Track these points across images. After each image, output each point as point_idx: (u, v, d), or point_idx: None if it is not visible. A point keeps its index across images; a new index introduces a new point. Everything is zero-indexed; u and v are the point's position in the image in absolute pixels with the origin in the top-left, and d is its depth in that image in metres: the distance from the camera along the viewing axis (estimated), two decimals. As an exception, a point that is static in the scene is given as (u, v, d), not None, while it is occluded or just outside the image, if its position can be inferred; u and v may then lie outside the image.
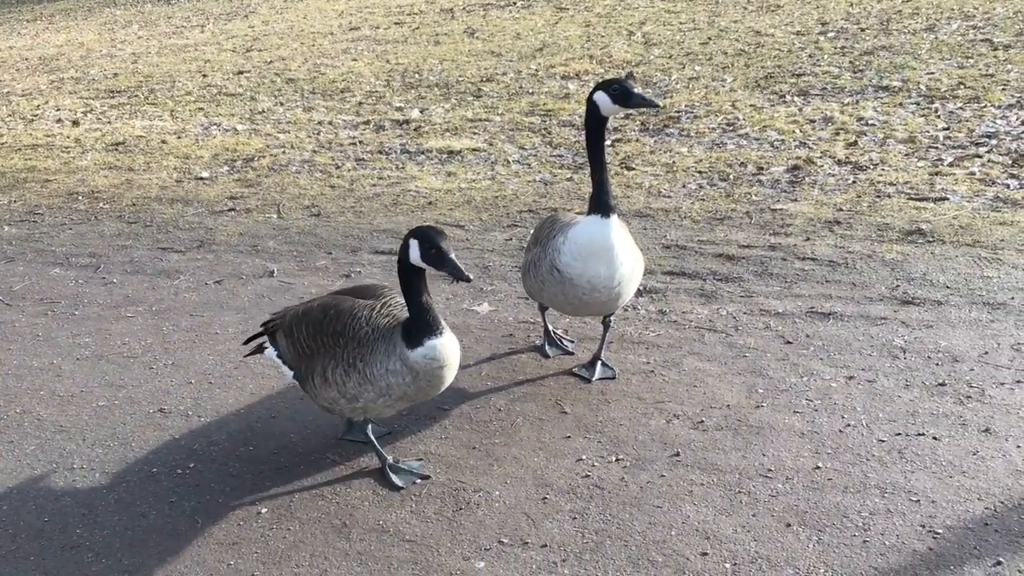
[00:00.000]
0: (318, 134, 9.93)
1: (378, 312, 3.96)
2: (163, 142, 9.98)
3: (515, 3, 16.27)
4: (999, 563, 3.45)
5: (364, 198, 7.89)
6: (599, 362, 5.00)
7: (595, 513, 3.91)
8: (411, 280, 3.84)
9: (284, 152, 9.35)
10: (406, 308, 3.92)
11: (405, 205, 7.67)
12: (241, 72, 13.19)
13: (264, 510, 4.05)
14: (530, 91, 10.91)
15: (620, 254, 4.50)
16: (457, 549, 3.76)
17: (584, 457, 4.30)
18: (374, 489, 4.15)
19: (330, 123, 10.35)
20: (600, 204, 4.45)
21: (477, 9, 16.17)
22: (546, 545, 3.75)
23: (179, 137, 10.16)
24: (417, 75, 12.18)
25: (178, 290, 6.39)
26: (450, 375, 3.94)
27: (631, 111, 4.63)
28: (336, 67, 13.00)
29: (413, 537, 3.84)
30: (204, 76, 13.13)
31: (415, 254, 3.79)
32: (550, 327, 5.32)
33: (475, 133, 9.52)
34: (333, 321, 3.96)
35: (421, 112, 10.43)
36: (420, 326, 3.84)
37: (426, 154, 8.99)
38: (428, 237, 3.75)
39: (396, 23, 15.83)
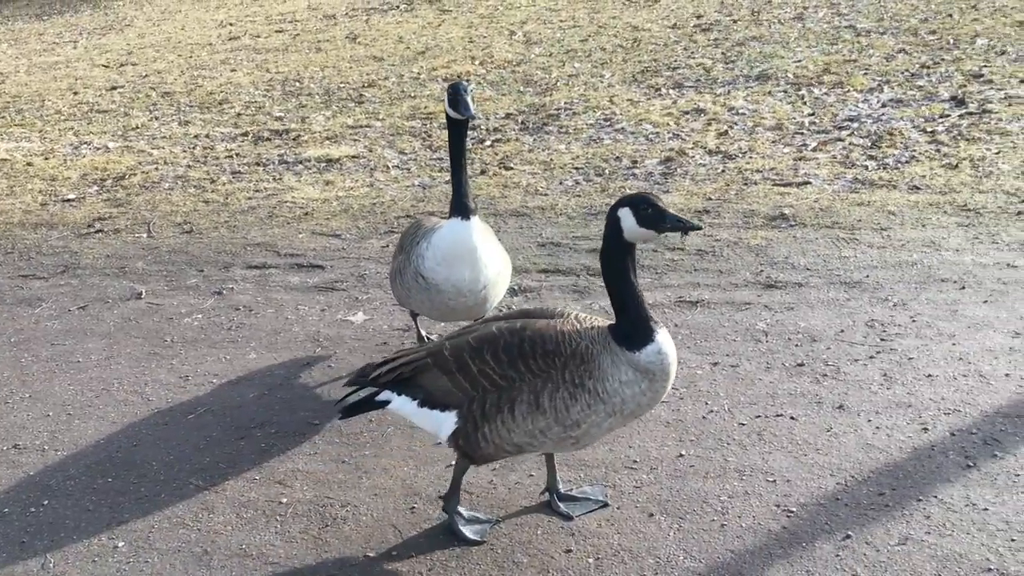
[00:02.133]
0: (194, 148, 9.69)
1: (582, 325, 3.50)
2: (28, 164, 9.58)
3: (398, 7, 16.18)
4: (848, 536, 3.55)
5: (239, 212, 7.72)
6: None
7: (462, 518, 3.89)
8: (621, 265, 3.37)
9: (157, 168, 9.08)
10: (590, 320, 3.54)
11: (281, 217, 7.53)
12: (114, 88, 12.77)
13: (121, 544, 3.91)
14: (412, 95, 10.86)
15: (484, 256, 4.50)
16: (322, 568, 3.69)
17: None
18: (238, 513, 4.05)
19: (207, 136, 10.10)
20: (459, 207, 4.45)
21: (359, 14, 16.02)
22: (412, 556, 3.71)
23: (46, 158, 9.77)
24: (298, 83, 11.99)
25: (39, 318, 6.14)
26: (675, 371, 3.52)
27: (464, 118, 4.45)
28: (214, 78, 12.70)
29: (277, 559, 3.76)
30: (75, 93, 12.67)
31: (630, 223, 3.30)
32: (423, 332, 5.29)
33: (355, 140, 9.41)
34: (538, 342, 3.43)
35: (301, 121, 10.27)
36: (638, 321, 3.37)
37: (304, 164, 8.85)
38: (640, 199, 3.29)
39: (277, 31, 15.56)
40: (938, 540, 3.47)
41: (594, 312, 5.54)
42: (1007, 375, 4.40)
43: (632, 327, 3.39)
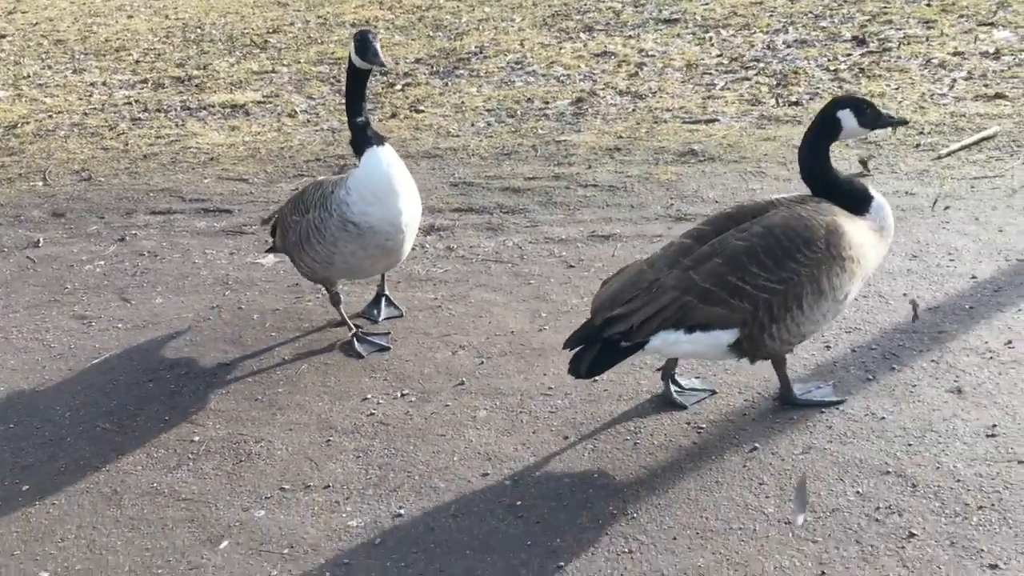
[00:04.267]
0: (90, 96, 9.28)
1: (808, 205, 3.64)
2: (-89, 115, 9.05)
3: (303, -48, 15.70)
4: (755, 448, 3.67)
5: (139, 158, 7.46)
6: (383, 298, 4.93)
7: (379, 449, 3.89)
8: (827, 157, 3.71)
9: (51, 117, 8.69)
10: (807, 199, 3.71)
11: (185, 163, 7.30)
12: (3, 36, 12.13)
13: (26, 487, 3.79)
14: (319, 40, 10.59)
15: (408, 182, 4.35)
16: (236, 501, 3.64)
17: (370, 396, 4.26)
18: (148, 453, 3.96)
19: (104, 84, 9.69)
20: (371, 138, 4.28)
21: (263, -41, 15.50)
22: (329, 486, 3.69)
23: (-70, 108, 9.25)
24: (199, 30, 11.58)
25: (-72, 270, 5.85)
26: None
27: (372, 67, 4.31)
28: (110, 25, 12.16)
29: (190, 495, 3.69)
30: (-40, 42, 11.98)
31: (851, 124, 3.66)
32: (349, 319, 4.73)
33: (261, 86, 9.16)
34: (794, 235, 3.49)
35: (204, 68, 9.93)
36: (852, 189, 3.69)
37: (208, 109, 8.57)
38: (861, 102, 3.67)
39: (176, -23, 14.95)
40: (839, 448, 3.61)
41: (508, 248, 5.55)
42: (904, 294, 4.58)
43: (851, 195, 3.67)
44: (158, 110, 8.70)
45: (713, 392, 4.02)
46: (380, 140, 4.29)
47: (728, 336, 3.56)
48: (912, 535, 3.16)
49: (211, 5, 12.74)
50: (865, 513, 3.28)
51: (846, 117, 3.65)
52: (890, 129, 3.99)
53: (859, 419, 3.76)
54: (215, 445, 3.98)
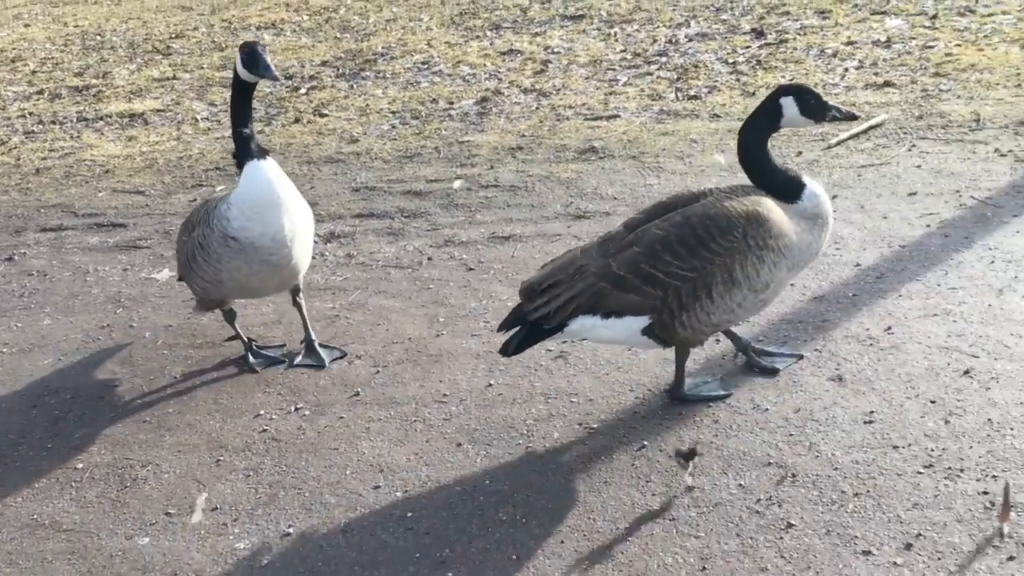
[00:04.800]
0: (-18, 109, 8.97)
1: (737, 196, 3.67)
2: None
3: (208, -46, 15.39)
4: (643, 446, 3.70)
5: (32, 173, 7.23)
6: (316, 345, 4.56)
7: (270, 467, 3.83)
8: (764, 143, 3.72)
9: (-61, 132, 8.37)
10: (740, 189, 3.73)
11: (79, 176, 7.10)
12: None
13: None
14: (223, 45, 10.40)
15: (294, 196, 4.21)
16: (120, 529, 3.55)
17: (263, 412, 4.19)
18: (29, 483, 3.84)
19: (-3, 96, 9.37)
20: (253, 151, 4.18)
21: (167, -38, 15.16)
22: (217, 508, 3.62)
23: None
24: (99, 37, 11.28)
25: None
26: None
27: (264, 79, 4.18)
28: (6, 35, 11.77)
29: (72, 526, 3.59)
30: None
31: (792, 112, 3.67)
32: (243, 335, 4.59)
33: (162, 93, 8.95)
34: (711, 224, 3.55)
35: (103, 76, 9.66)
36: (786, 177, 3.70)
37: (106, 120, 8.35)
38: (805, 90, 3.66)
39: (77, -18, 14.54)
40: (724, 441, 3.66)
41: (409, 253, 5.52)
42: (792, 285, 4.66)
43: (782, 183, 3.69)
44: (53, 122, 8.44)
45: (801, 356, 4.08)
46: (262, 153, 4.19)
47: (640, 323, 3.64)
48: (791, 525, 3.22)
49: (112, 11, 12.41)
50: (747, 506, 3.33)
51: (788, 105, 3.68)
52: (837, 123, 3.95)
53: (744, 411, 3.82)
54: (100, 472, 3.88)
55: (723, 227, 3.56)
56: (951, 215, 5.16)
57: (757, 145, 3.74)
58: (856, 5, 8.92)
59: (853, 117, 3.84)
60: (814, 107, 3.68)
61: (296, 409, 4.19)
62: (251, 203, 4.09)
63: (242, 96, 4.23)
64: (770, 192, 3.71)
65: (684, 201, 3.76)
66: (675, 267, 3.56)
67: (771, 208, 3.63)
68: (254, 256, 4.13)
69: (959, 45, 7.61)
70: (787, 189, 3.70)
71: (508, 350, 3.76)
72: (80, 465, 3.92)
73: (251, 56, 4.08)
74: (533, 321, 3.69)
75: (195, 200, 6.50)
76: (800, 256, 3.69)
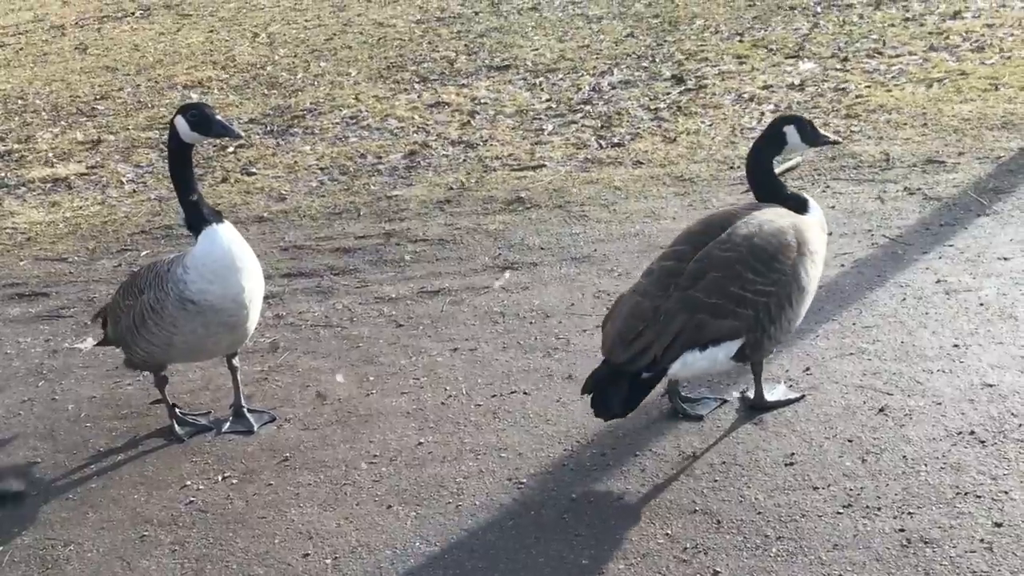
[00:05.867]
0: (-102, 178, 8.75)
1: (764, 210, 3.92)
2: None
3: (133, 14, 15.32)
4: (573, 499, 3.73)
5: (-50, 244, 7.07)
6: (245, 410, 4.50)
7: (197, 539, 3.77)
8: (769, 164, 4.12)
9: None
10: (764, 206, 3.99)
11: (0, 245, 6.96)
12: None
13: None
14: (150, 105, 10.32)
15: (250, 258, 4.20)
16: (40, 614, 3.46)
17: (189, 482, 4.12)
18: (-56, 570, 3.72)
19: (-85, 164, 9.15)
20: (207, 215, 4.12)
21: (91, 23, 15.03)
22: (141, 586, 3.55)
23: None
24: (21, 100, 11.11)
25: None
26: None
27: (215, 140, 4.13)
28: (-76, 100, 11.53)
29: (-11, 613, 3.49)
30: None
31: (795, 139, 4.07)
32: (171, 400, 4.53)
33: (86, 156, 8.84)
34: (773, 238, 3.78)
35: (25, 140, 9.52)
36: (797, 194, 4.11)
37: (28, 186, 8.21)
38: (804, 120, 4.11)
39: (-2, 45, 14.34)
40: (652, 490, 3.71)
41: (338, 311, 5.51)
42: (715, 329, 4.76)
43: (794, 199, 4.06)
44: (-27, 189, 8.27)
45: (725, 401, 4.19)
46: (218, 217, 4.17)
47: (734, 346, 3.73)
48: (716, 573, 3.27)
49: (35, 74, 12.26)
50: (673, 555, 3.37)
51: (791, 133, 4.07)
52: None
53: (670, 459, 3.87)
54: (20, 554, 3.77)
55: (783, 241, 3.79)
56: (864, 254, 5.33)
57: (766, 170, 4.12)
58: (771, 50, 9.22)
59: (838, 141, 4.55)
60: (810, 134, 4.11)
61: (224, 478, 4.13)
62: (211, 267, 4.06)
63: (182, 161, 4.20)
64: (785, 206, 4.03)
65: (719, 224, 3.89)
66: (759, 284, 3.69)
67: (800, 218, 3.97)
68: (212, 318, 4.11)
69: (868, 86, 7.91)
70: (799, 204, 4.06)
71: (614, 410, 3.63)
72: (0, 548, 3.82)
73: (202, 118, 4.06)
74: (631, 373, 3.61)
75: (120, 266, 6.41)
76: (822, 260, 4.02)
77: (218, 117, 4.11)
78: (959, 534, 3.30)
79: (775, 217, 3.87)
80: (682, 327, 3.60)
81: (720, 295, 3.65)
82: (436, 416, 4.39)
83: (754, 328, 3.70)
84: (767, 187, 4.12)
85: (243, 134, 4.25)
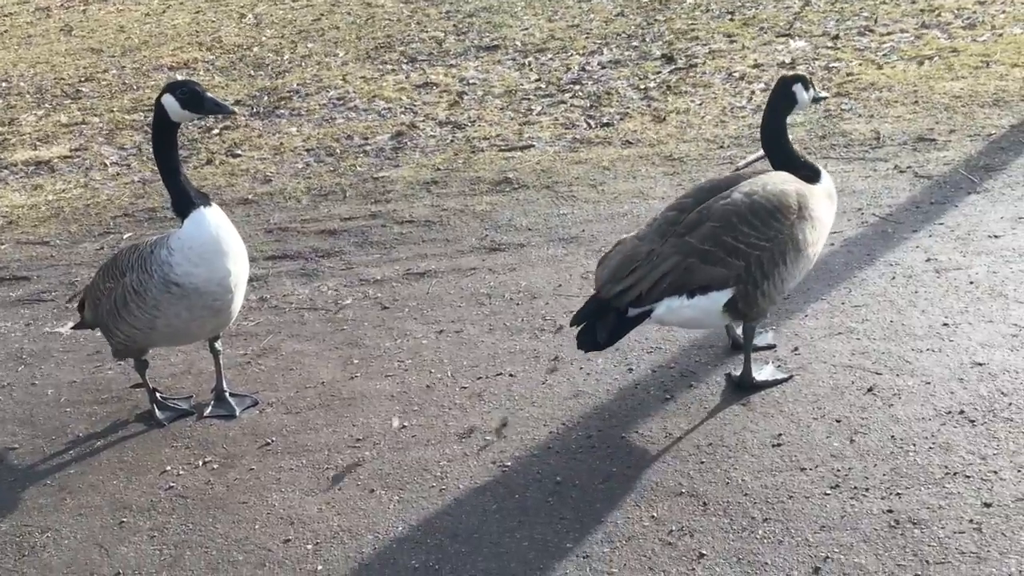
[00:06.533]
0: None
1: (773, 178, 3.99)
2: None
3: (120, -6, 15.14)
4: (558, 482, 3.68)
5: (-70, 228, 6.97)
6: (227, 394, 4.45)
7: (176, 525, 3.71)
8: (784, 124, 4.19)
9: None
10: (772, 172, 4.06)
11: (-20, 229, 6.87)
12: None
13: None
14: (135, 87, 10.20)
15: (236, 241, 4.12)
16: (16, 602, 3.40)
17: (169, 468, 4.06)
18: (-81, 558, 3.66)
19: None
20: (195, 198, 4.02)
21: (76, 4, 14.86)
22: (119, 573, 3.49)
23: None
24: (5, 83, 10.97)
25: None
26: None
27: (205, 118, 4.01)
28: (-94, 83, 11.39)
29: (-36, 601, 3.43)
30: None
31: (803, 97, 4.18)
32: (150, 385, 4.45)
33: (70, 139, 8.73)
34: (774, 197, 3.86)
35: (9, 123, 9.40)
36: (810, 163, 4.18)
37: (10, 168, 8.10)
38: (803, 76, 4.25)
39: (-18, 27, 14.17)
40: (637, 473, 3.66)
41: (323, 293, 5.44)
42: (703, 310, 4.70)
43: (806, 167, 4.11)
44: (-45, 173, 8.17)
45: (773, 346, 4.30)
46: (205, 200, 4.08)
47: (723, 297, 3.77)
48: (702, 555, 3.22)
49: (19, 56, 12.10)
50: (659, 538, 3.32)
51: (799, 91, 4.17)
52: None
53: (656, 441, 3.82)
54: (-4, 541, 3.72)
55: (784, 201, 3.85)
56: (854, 233, 5.27)
57: (780, 133, 4.16)
58: (762, 28, 9.13)
59: (825, 97, 4.69)
60: (813, 89, 4.24)
61: (204, 463, 4.07)
62: (198, 250, 3.97)
63: (167, 142, 4.09)
64: (796, 174, 4.06)
65: (726, 184, 3.99)
66: (753, 237, 3.76)
67: (808, 186, 4.02)
68: (197, 302, 4.03)
69: (860, 64, 7.83)
70: (810, 172, 4.10)
71: (598, 342, 3.73)
72: (-25, 535, 3.75)
73: (192, 95, 3.96)
74: (618, 309, 3.70)
75: (102, 249, 6.32)
76: (828, 227, 4.07)
77: (208, 94, 4.02)
78: (948, 515, 3.26)
79: (781, 182, 3.96)
80: (671, 268, 3.71)
81: (713, 243, 3.74)
82: (420, 400, 4.33)
83: (744, 279, 3.76)
84: (782, 153, 4.17)
85: (236, 110, 4.15)
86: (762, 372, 4.08)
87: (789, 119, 4.25)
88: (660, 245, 3.78)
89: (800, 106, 4.22)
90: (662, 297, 3.70)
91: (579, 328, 3.78)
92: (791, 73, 4.43)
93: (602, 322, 3.72)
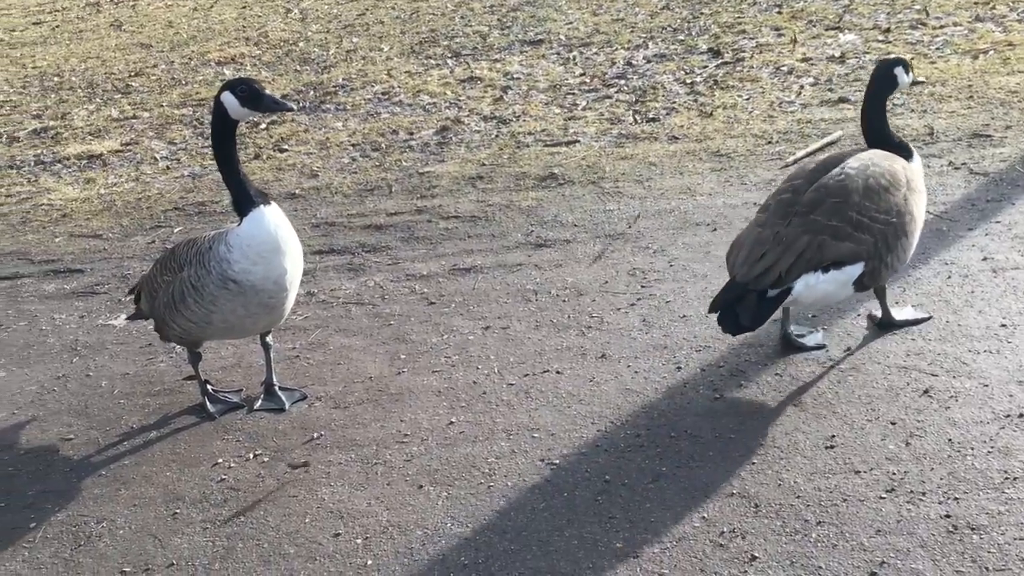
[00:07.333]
0: (-63, 156, 8.84)
1: (883, 152, 4.20)
2: None
3: (168, -11, 15.33)
4: (607, 481, 3.66)
5: (-13, 221, 7.12)
6: (276, 388, 4.48)
7: (228, 517, 3.75)
8: (883, 105, 4.34)
9: None
10: (869, 152, 4.19)
11: (36, 222, 7.00)
12: None
13: None
14: (183, 82, 10.33)
15: (293, 240, 4.18)
16: (73, 590, 3.47)
17: (221, 460, 4.11)
18: (-20, 545, 3.74)
19: (-47, 142, 9.25)
20: (255, 196, 4.07)
21: (126, 0, 15.09)
22: (173, 564, 3.54)
23: None
24: (58, 77, 11.17)
25: None
26: None
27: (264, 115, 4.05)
28: (-38, 78, 11.63)
29: (23, 589, 3.50)
30: None
31: (904, 79, 4.37)
32: (202, 378, 4.51)
33: (121, 133, 8.87)
34: (886, 172, 4.02)
35: (62, 117, 9.57)
36: (904, 142, 4.35)
37: (64, 162, 8.25)
38: (901, 59, 4.45)
39: (34, 23, 14.43)
40: (687, 473, 3.63)
41: (370, 288, 5.47)
42: (752, 308, 4.65)
43: (901, 146, 4.26)
44: (11, 166, 8.33)
45: (824, 346, 4.30)
46: (265, 199, 4.12)
47: (855, 271, 3.89)
48: (754, 558, 3.18)
49: (71, 51, 12.31)
50: (710, 539, 3.29)
51: (900, 73, 4.33)
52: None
53: (707, 441, 3.79)
54: (53, 530, 3.78)
55: (896, 176, 4.01)
56: (908, 231, 5.17)
57: (880, 114, 4.31)
58: (811, 21, 9.00)
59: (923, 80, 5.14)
60: (912, 74, 4.40)
61: (255, 456, 4.12)
62: (257, 248, 4.02)
63: (227, 140, 4.12)
64: (893, 152, 4.19)
65: (833, 162, 4.10)
66: (874, 211, 3.89)
67: (906, 162, 4.17)
68: (253, 299, 4.09)
69: (912, 58, 7.69)
70: (906, 150, 4.25)
71: (742, 325, 3.81)
72: (32, 524, 3.82)
73: (252, 93, 3.99)
74: (757, 291, 3.80)
75: (153, 242, 6.42)
76: (925, 205, 4.21)
77: (267, 91, 4.05)
78: (1008, 520, 3.19)
79: (885, 157, 4.10)
80: (805, 247, 3.81)
81: (839, 219, 3.86)
82: (468, 395, 4.33)
83: (873, 256, 3.89)
84: (879, 132, 4.29)
85: (294, 106, 4.21)
86: (903, 312, 4.31)
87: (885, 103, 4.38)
88: (784, 226, 3.89)
89: (901, 87, 4.36)
90: (799, 275, 3.80)
91: (719, 314, 3.90)
92: (892, 56, 4.67)
93: (742, 305, 3.82)
